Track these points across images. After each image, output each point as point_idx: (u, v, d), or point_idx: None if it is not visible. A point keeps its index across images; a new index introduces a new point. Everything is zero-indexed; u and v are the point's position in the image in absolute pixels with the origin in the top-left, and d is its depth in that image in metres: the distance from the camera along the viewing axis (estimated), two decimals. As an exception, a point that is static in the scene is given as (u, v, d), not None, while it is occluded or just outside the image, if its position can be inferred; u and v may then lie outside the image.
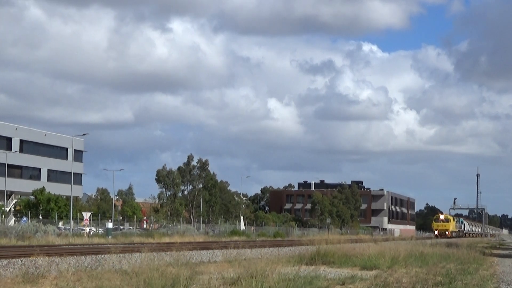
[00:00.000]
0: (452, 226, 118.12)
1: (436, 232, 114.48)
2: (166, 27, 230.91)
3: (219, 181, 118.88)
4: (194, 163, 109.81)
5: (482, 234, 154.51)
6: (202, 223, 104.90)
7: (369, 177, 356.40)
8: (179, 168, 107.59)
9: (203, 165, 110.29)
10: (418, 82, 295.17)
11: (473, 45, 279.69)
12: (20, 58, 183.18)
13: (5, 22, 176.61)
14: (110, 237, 59.42)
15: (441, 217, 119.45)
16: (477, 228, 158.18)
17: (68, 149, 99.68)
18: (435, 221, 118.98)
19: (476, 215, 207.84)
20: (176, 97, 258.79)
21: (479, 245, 60.60)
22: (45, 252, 24.09)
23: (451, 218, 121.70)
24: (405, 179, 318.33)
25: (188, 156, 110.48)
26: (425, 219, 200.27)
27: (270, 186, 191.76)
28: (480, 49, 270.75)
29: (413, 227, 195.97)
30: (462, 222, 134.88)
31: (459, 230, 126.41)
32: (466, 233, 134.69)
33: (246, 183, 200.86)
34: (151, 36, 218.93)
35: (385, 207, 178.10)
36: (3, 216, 79.13)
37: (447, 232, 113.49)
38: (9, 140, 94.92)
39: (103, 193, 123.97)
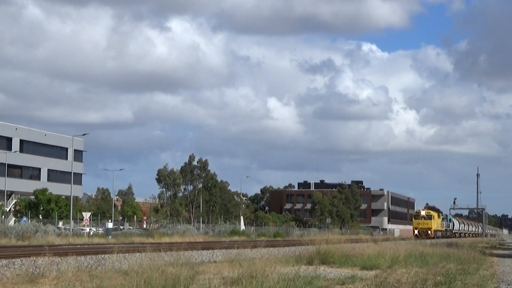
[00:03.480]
0: (436, 224, 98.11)
1: (415, 232, 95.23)
2: (165, 26, 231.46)
3: (219, 181, 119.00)
4: (195, 163, 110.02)
5: (481, 234, 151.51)
6: (202, 223, 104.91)
7: (369, 177, 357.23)
8: (181, 168, 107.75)
9: (204, 165, 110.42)
10: (418, 81, 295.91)
11: (472, 45, 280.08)
12: (19, 57, 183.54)
13: (4, 21, 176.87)
14: (110, 237, 59.46)
15: (422, 213, 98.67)
16: (471, 227, 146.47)
17: (68, 149, 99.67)
18: (414, 218, 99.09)
19: (476, 215, 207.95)
20: (176, 96, 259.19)
21: (479, 245, 60.61)
22: (45, 252, 24.08)
23: (435, 214, 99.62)
24: (405, 179, 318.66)
25: (190, 156, 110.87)
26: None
27: (270, 186, 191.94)
28: (480, 48, 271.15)
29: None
30: (450, 220, 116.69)
31: (446, 229, 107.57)
32: (456, 232, 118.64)
33: (246, 183, 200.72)
34: (150, 35, 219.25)
35: (385, 207, 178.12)
36: (3, 216, 79.16)
37: (429, 232, 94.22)
38: (9, 140, 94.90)
39: (103, 193, 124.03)
